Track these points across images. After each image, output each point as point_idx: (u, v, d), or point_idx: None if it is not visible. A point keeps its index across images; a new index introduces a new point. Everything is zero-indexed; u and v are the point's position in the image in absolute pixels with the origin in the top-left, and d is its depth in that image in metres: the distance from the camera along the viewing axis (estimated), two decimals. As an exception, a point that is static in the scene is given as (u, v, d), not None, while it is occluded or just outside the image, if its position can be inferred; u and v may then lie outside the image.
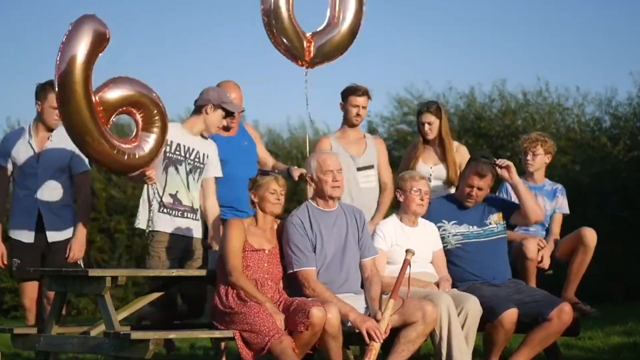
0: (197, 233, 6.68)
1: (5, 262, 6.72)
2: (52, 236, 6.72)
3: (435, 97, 16.62)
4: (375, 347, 5.82)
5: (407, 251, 6.05)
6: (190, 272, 6.39)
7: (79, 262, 6.77)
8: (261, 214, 6.11)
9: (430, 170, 7.25)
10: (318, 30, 7.28)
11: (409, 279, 5.96)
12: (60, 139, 6.72)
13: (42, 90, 6.72)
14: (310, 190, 6.32)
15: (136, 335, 5.68)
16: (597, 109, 16.36)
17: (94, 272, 5.92)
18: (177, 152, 6.56)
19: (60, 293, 6.23)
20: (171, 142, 6.52)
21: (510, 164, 6.70)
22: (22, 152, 6.75)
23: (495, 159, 6.70)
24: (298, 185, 12.70)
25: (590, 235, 6.75)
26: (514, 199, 6.99)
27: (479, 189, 6.63)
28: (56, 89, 5.90)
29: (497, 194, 7.08)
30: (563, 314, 6.26)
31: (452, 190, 7.17)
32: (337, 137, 7.36)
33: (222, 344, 7.04)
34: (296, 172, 6.95)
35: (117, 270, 7.18)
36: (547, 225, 7.16)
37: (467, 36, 24.42)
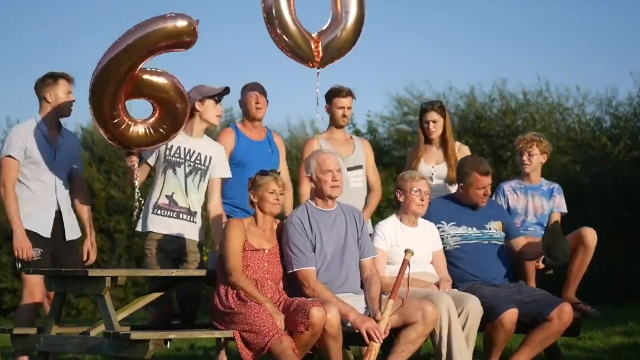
0: (192, 235, 6.64)
1: (32, 255, 6.50)
2: (69, 234, 6.69)
3: (436, 96, 16.63)
4: (375, 347, 5.81)
5: (406, 251, 6.05)
6: (190, 272, 6.39)
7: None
8: (260, 214, 6.10)
9: (432, 169, 7.25)
10: (323, 28, 7.26)
11: (409, 279, 5.95)
12: (69, 136, 6.76)
13: (50, 78, 6.63)
14: (304, 188, 6.31)
15: (136, 335, 5.67)
16: (597, 108, 16.38)
17: (93, 272, 5.90)
18: (177, 155, 6.59)
19: (59, 293, 6.22)
20: (171, 145, 6.55)
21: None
22: (39, 146, 6.58)
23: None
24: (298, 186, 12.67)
25: (590, 235, 6.74)
26: (511, 200, 7.09)
27: (489, 185, 6.65)
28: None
29: (493, 197, 7.04)
30: (563, 314, 6.25)
31: (454, 190, 7.15)
32: (325, 138, 7.41)
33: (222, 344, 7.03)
34: None
35: (116, 270, 7.17)
36: (545, 225, 7.16)
37: (468, 36, 24.45)
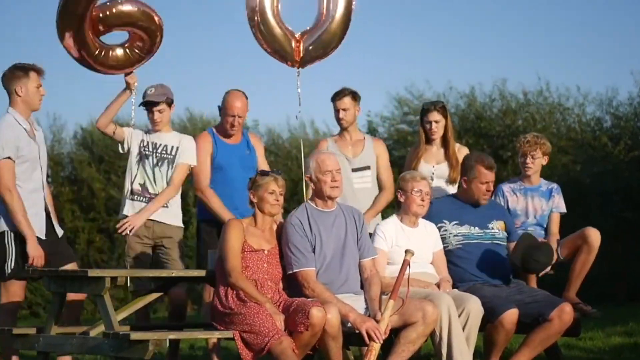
0: (166, 219, 7.00)
1: (43, 263, 6.31)
2: (58, 229, 6.64)
3: (436, 96, 16.59)
4: (375, 348, 5.81)
5: (406, 251, 6.04)
6: (190, 272, 6.39)
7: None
8: (260, 214, 6.09)
9: (432, 169, 7.26)
10: (308, 29, 7.26)
11: (409, 280, 5.95)
12: (39, 129, 6.58)
13: (20, 71, 6.39)
14: (309, 191, 6.31)
15: (135, 335, 5.66)
16: (598, 108, 16.34)
17: (93, 273, 5.90)
18: (147, 149, 7.05)
19: (59, 293, 6.21)
20: (146, 141, 7.05)
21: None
22: (26, 144, 6.38)
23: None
24: (298, 186, 12.68)
25: (594, 235, 6.74)
26: (510, 202, 7.11)
27: (492, 181, 6.64)
28: None
29: (492, 197, 7.02)
30: (564, 314, 6.25)
31: (454, 189, 7.15)
32: (334, 139, 7.49)
33: (212, 343, 7.06)
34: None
35: (116, 270, 7.16)
36: (545, 225, 7.15)
37: (468, 36, 24.40)
